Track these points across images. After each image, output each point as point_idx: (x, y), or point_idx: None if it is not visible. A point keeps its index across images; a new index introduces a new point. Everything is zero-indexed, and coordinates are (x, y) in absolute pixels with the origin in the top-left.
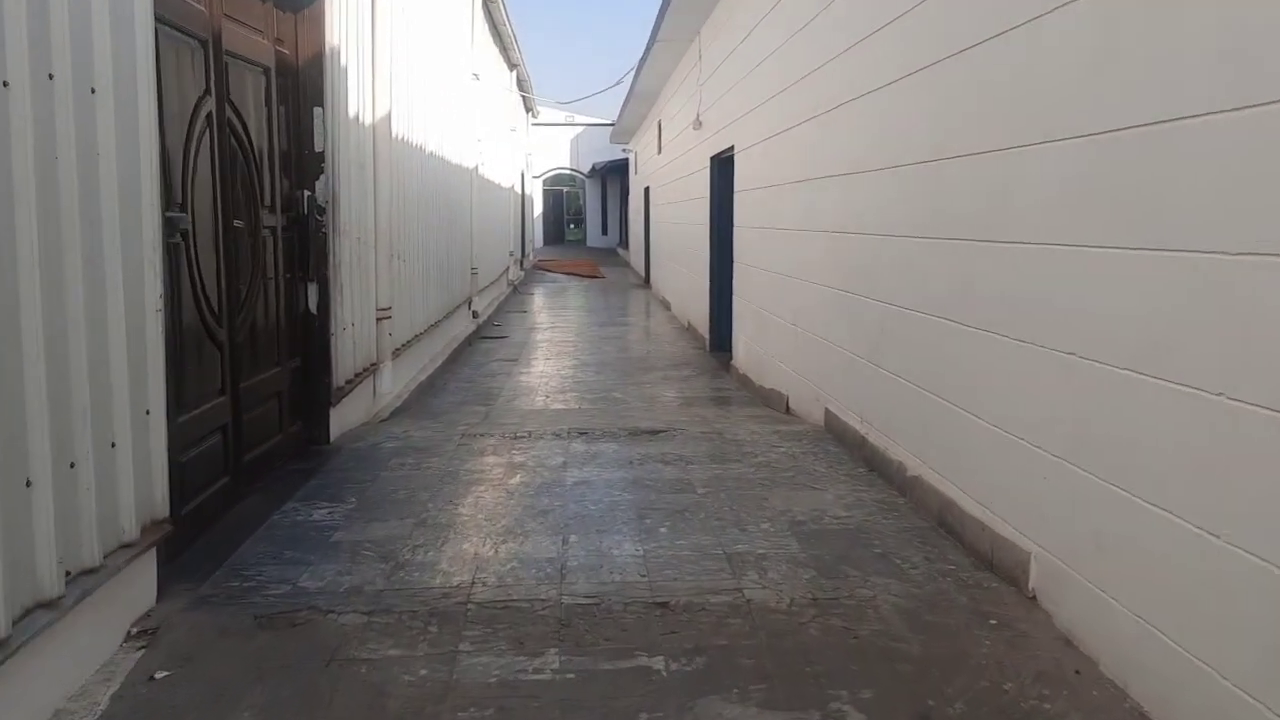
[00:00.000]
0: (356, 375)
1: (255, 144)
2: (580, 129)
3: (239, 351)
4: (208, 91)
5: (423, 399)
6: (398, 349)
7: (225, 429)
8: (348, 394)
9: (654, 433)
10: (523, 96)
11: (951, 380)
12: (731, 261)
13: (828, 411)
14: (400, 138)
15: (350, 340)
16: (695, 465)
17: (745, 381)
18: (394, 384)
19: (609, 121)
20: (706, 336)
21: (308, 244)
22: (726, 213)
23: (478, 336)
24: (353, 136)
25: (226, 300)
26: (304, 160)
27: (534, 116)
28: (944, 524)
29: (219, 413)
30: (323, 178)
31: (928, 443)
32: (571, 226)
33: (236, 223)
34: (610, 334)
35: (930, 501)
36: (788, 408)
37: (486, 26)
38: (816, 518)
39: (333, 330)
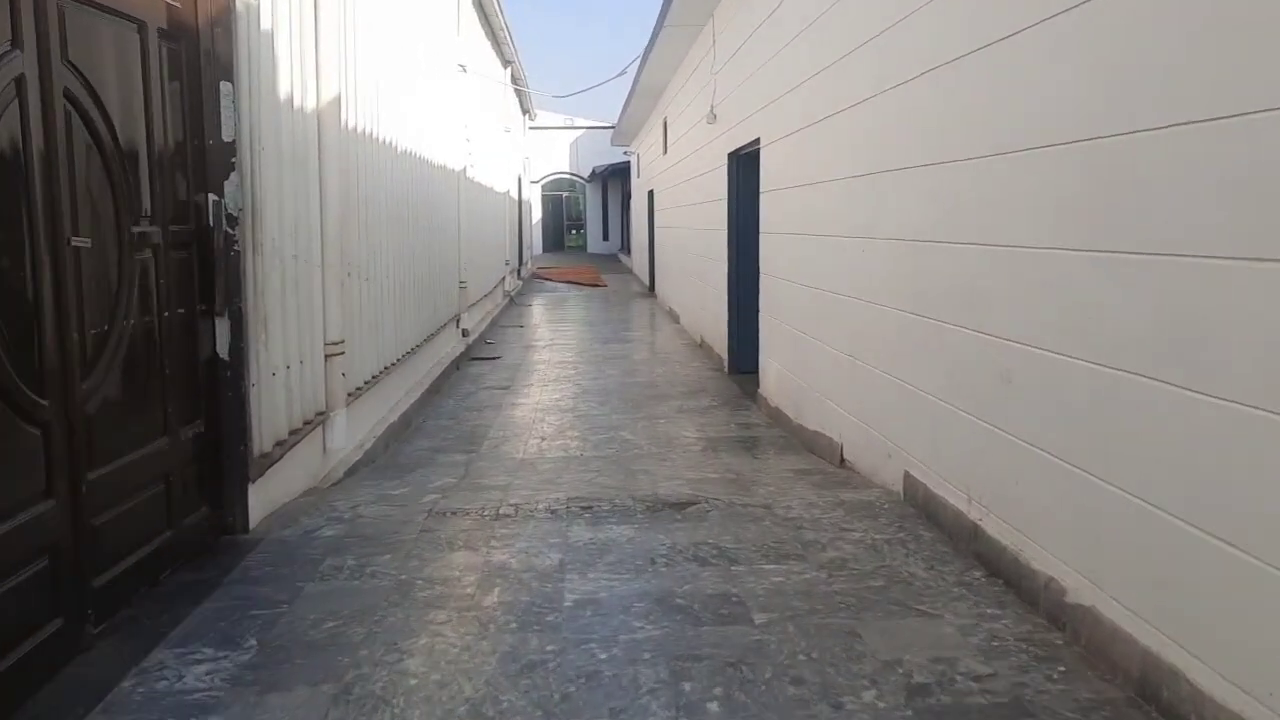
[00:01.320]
0: (294, 432)
1: (121, 129)
2: (580, 132)
3: (86, 429)
4: (16, 44)
5: (392, 446)
6: (357, 390)
7: (56, 548)
8: (280, 459)
9: (680, 506)
10: (517, 92)
11: (1161, 474)
12: (756, 273)
13: (909, 477)
14: (358, 130)
15: (283, 389)
16: (743, 566)
17: (777, 416)
18: (351, 435)
19: (609, 124)
20: (725, 357)
21: (213, 266)
22: (749, 216)
23: (467, 358)
24: (284, 124)
25: (59, 357)
26: (207, 154)
27: (531, 119)
28: (1153, 698)
29: (41, 526)
30: (234, 177)
31: (1106, 558)
32: (572, 233)
33: (77, 241)
34: (615, 352)
35: (1120, 654)
36: (842, 458)
37: (476, 15)
38: (944, 678)
39: (252, 380)
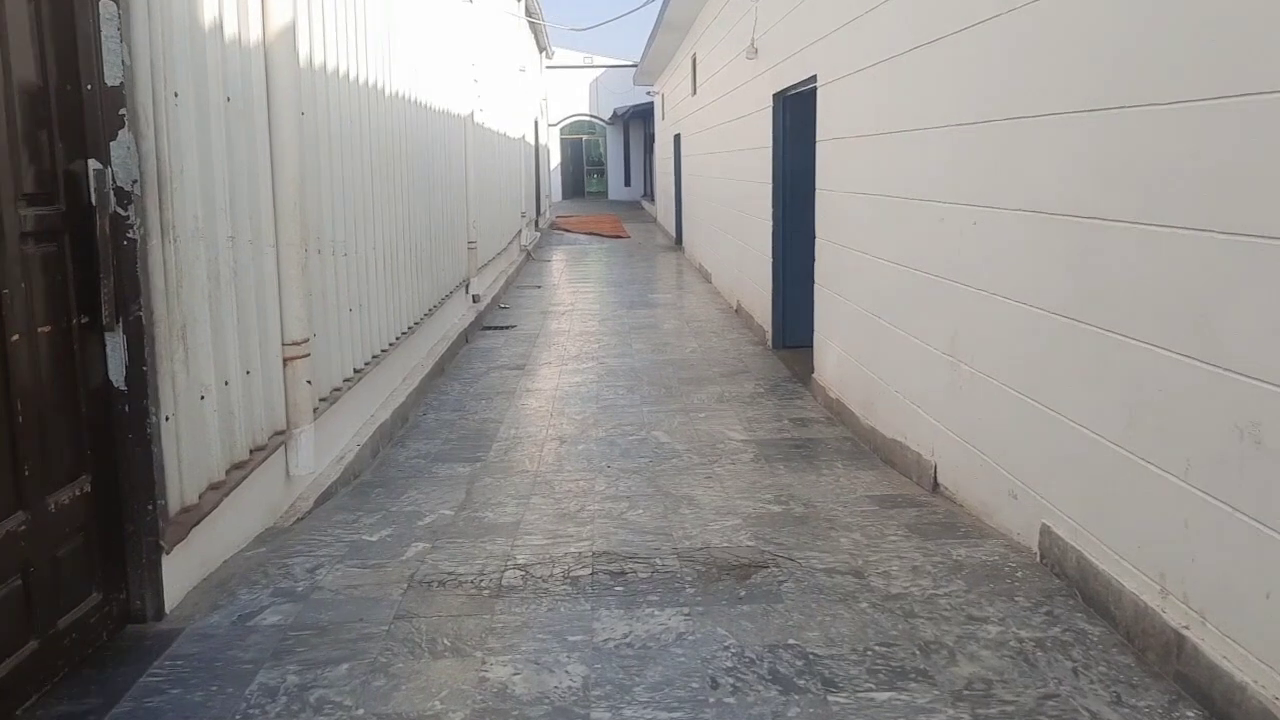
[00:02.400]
0: (239, 466)
1: None
2: (600, 71)
3: None
4: None
5: (382, 451)
6: (334, 391)
7: None
8: (215, 507)
9: (741, 571)
10: (532, 26)
11: None
12: (808, 235)
13: (1050, 532)
14: (327, 68)
15: (216, 415)
16: (844, 694)
17: (839, 411)
18: (324, 452)
19: (631, 63)
20: (767, 329)
21: (97, 262)
22: (800, 169)
23: (479, 328)
24: (211, 60)
25: None
26: (85, 104)
27: (548, 57)
28: None
29: None
30: (125, 136)
31: None
32: (593, 177)
33: None
34: (642, 320)
35: None
36: (935, 481)
37: None
38: None
39: (165, 411)
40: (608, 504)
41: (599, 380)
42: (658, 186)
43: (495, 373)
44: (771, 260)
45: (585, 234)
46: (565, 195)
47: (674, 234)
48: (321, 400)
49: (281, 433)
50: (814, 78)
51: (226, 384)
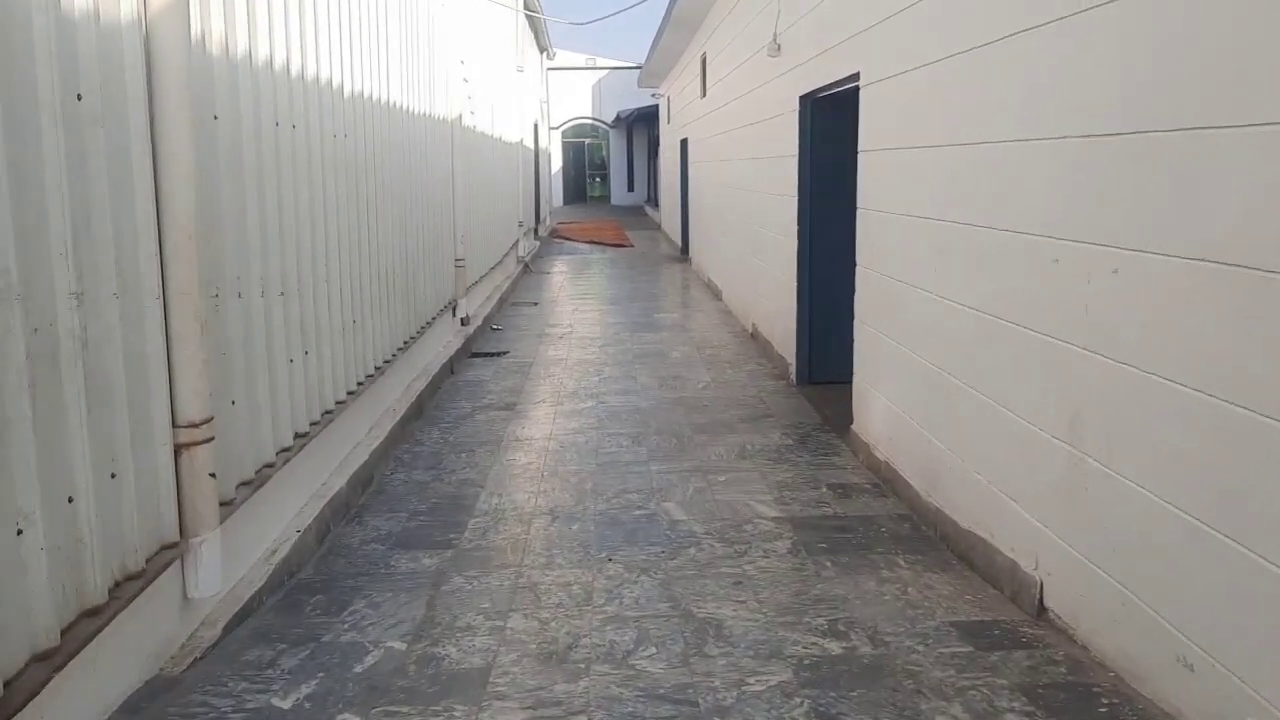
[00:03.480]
0: (94, 611)
1: None
2: (603, 73)
3: None
4: None
5: (331, 534)
6: (263, 471)
7: None
8: (45, 685)
9: None
10: (530, 22)
11: None
12: (843, 258)
13: None
14: (249, 57)
15: (39, 552)
16: None
17: (889, 476)
18: (238, 560)
19: (635, 64)
20: (790, 361)
21: None
22: (831, 181)
23: (467, 354)
24: (38, 42)
25: None
26: None
27: (549, 58)
28: None
29: None
30: None
31: None
32: (595, 181)
33: None
34: (647, 345)
35: None
36: (1040, 603)
37: None
38: None
39: None
40: (609, 634)
41: (599, 426)
42: (662, 192)
43: (481, 414)
44: (796, 284)
45: (587, 242)
46: (566, 200)
47: (680, 243)
48: (243, 484)
49: (173, 545)
50: (854, 76)
51: (71, 500)
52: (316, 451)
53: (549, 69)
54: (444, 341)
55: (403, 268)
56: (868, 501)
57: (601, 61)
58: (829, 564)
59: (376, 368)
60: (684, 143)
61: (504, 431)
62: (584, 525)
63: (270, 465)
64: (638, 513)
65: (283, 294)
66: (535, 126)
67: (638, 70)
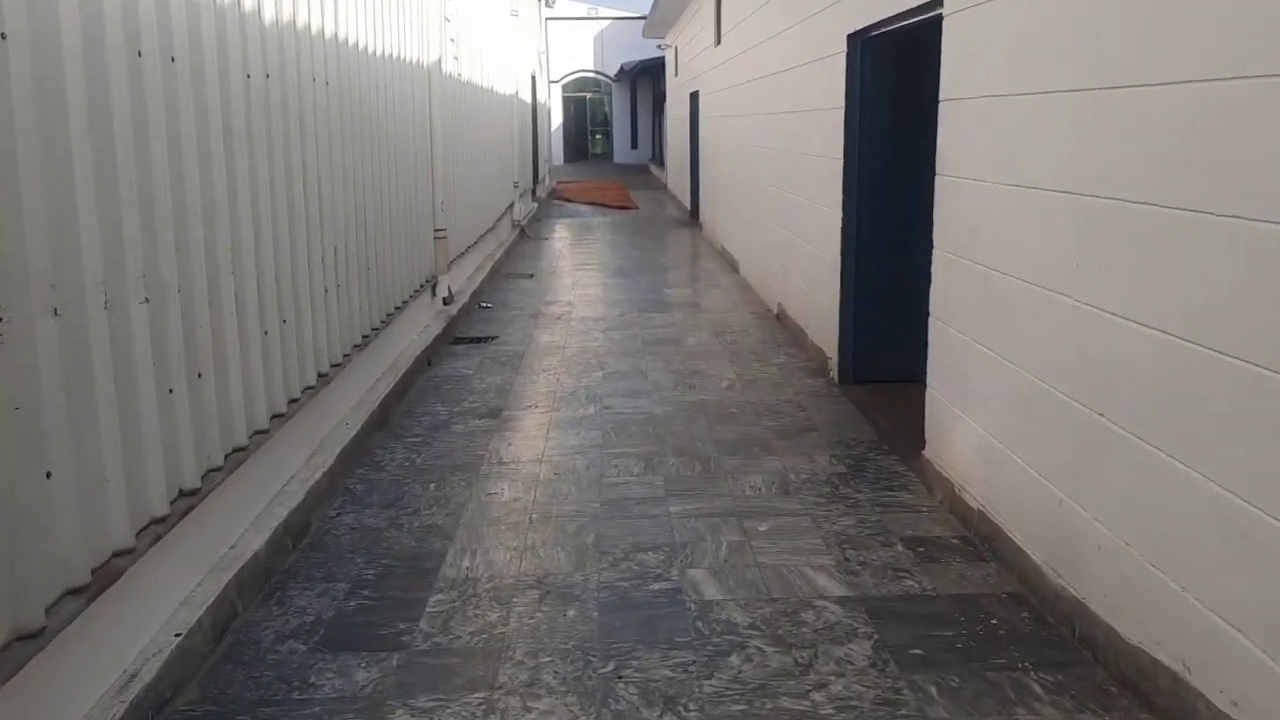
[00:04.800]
0: None
1: None
2: (605, 23)
3: None
4: None
5: (240, 619)
6: (111, 562)
7: None
8: None
9: None
10: None
11: None
12: (905, 236)
13: None
14: None
15: None
16: None
17: (987, 532)
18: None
19: (640, 14)
20: (831, 355)
21: None
22: (890, 140)
23: (449, 340)
24: None
25: None
26: None
27: (548, 6)
28: None
29: None
30: None
31: None
32: (596, 138)
33: None
34: (658, 329)
35: None
36: None
37: None
38: None
39: None
40: None
41: (603, 443)
42: (669, 151)
43: (459, 424)
44: (841, 264)
45: (588, 204)
46: (567, 158)
47: (688, 206)
48: (73, 592)
49: None
50: (932, 3)
51: None
52: (219, 505)
53: (548, 18)
54: (420, 327)
55: (360, 245)
56: (962, 570)
57: (604, 11)
58: (934, 689)
59: (322, 374)
60: (694, 96)
61: (485, 450)
62: (583, 609)
63: (127, 551)
64: (656, 587)
65: (147, 300)
66: (533, 79)
67: (643, 20)
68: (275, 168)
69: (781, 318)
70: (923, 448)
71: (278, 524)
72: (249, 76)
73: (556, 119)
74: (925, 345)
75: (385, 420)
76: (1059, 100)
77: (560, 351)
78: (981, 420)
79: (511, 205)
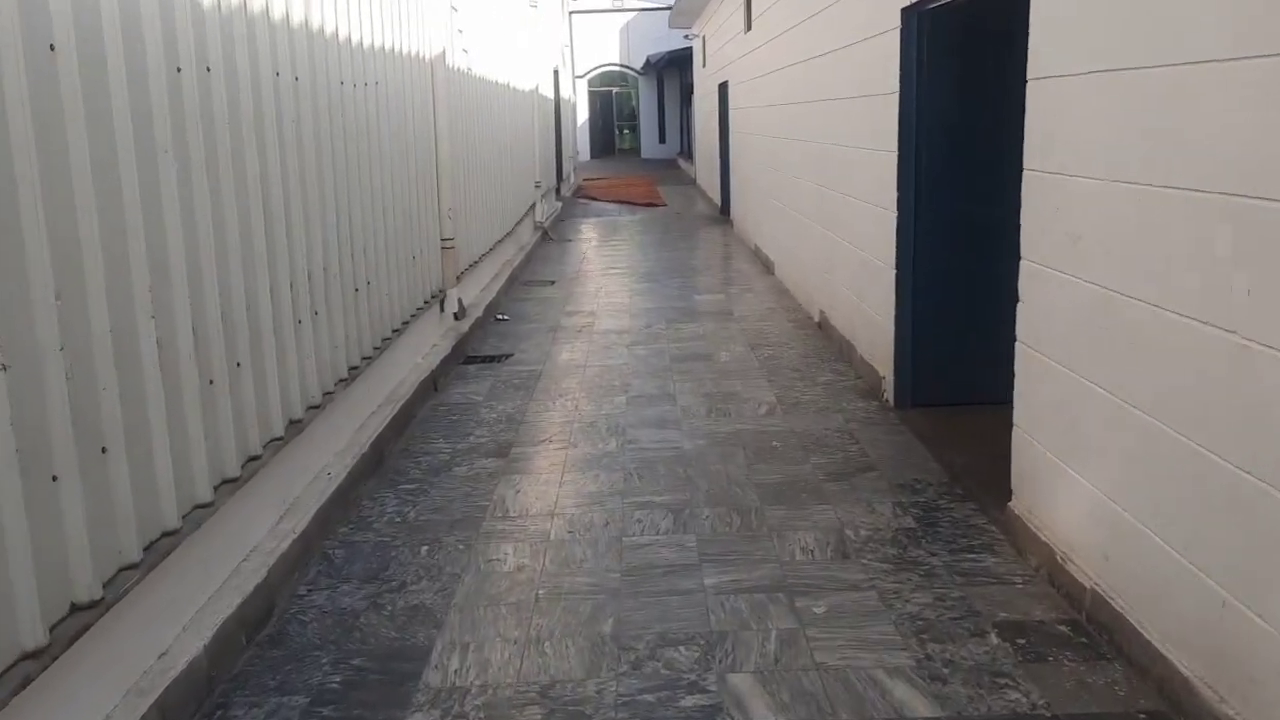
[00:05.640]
0: None
1: None
2: (631, 15)
3: None
4: None
5: None
6: None
7: None
8: None
9: None
10: None
11: None
12: (973, 240)
13: None
14: None
15: None
16: None
17: (1111, 625)
18: None
19: (665, 5)
20: (884, 373)
21: None
22: (957, 130)
23: (459, 359)
24: None
25: None
26: None
27: None
28: None
29: None
30: None
31: None
32: (623, 133)
33: None
34: (688, 343)
35: None
36: None
37: None
38: None
39: None
40: None
41: (625, 489)
42: (697, 144)
43: (462, 464)
44: (897, 271)
45: (615, 202)
46: (594, 154)
47: (719, 202)
48: None
49: None
50: None
51: None
52: (142, 604)
53: (571, 11)
54: (427, 347)
55: (346, 263)
56: (1080, 674)
57: (629, 3)
58: None
59: (295, 421)
60: (723, 87)
61: (489, 499)
62: None
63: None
64: (689, 702)
65: (4, 368)
66: (555, 74)
67: (668, 10)
68: (218, 181)
69: (824, 327)
70: (1008, 498)
71: (226, 617)
72: (178, 70)
73: (582, 114)
74: (997, 364)
75: (379, 463)
76: (1219, 72)
77: (580, 372)
78: (1097, 478)
79: (533, 207)
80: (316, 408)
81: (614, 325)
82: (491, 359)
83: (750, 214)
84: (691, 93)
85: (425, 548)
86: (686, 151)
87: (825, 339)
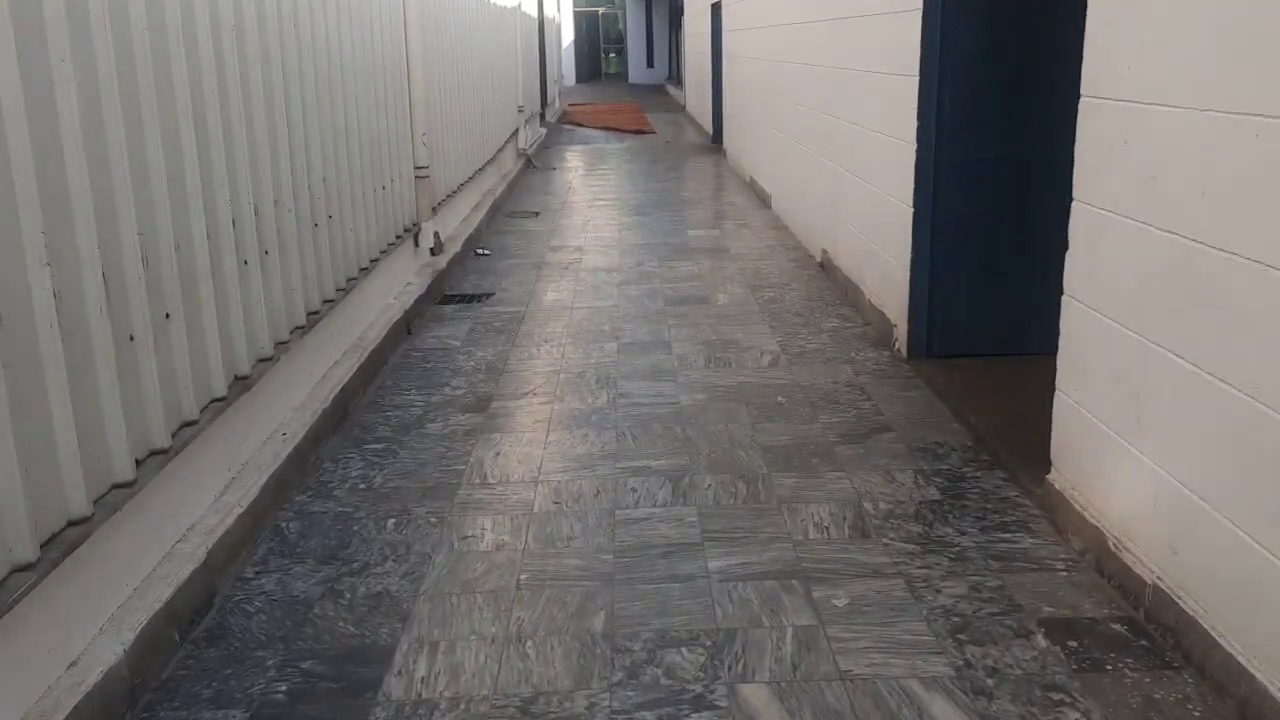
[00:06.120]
0: None
1: None
2: None
3: None
4: None
5: None
6: None
7: None
8: None
9: None
10: None
11: None
12: (1004, 181)
13: None
14: None
15: None
16: None
17: (1179, 627)
18: None
19: None
20: (897, 321)
21: None
22: (986, 53)
23: (436, 297)
24: None
25: None
26: None
27: None
28: None
29: None
30: None
31: None
32: (610, 57)
33: None
34: (683, 284)
35: None
36: None
37: None
38: None
39: None
40: None
41: (617, 453)
42: (687, 69)
43: (435, 419)
44: (914, 209)
45: (601, 129)
46: (580, 79)
47: (710, 130)
48: None
49: None
50: None
51: None
52: (49, 601)
53: None
54: (399, 286)
55: (304, 194)
56: (1145, 688)
57: None
58: None
59: (241, 376)
60: (715, 8)
61: (466, 462)
62: None
63: None
64: None
65: None
66: None
67: None
68: (136, 100)
69: (827, 268)
70: (1045, 468)
71: (153, 613)
72: None
73: (567, 36)
74: (1024, 314)
75: (344, 417)
76: None
77: (567, 314)
78: (1166, 458)
79: (516, 133)
80: (268, 360)
81: (603, 262)
82: (471, 298)
83: (745, 144)
84: (681, 15)
85: (392, 520)
86: (676, 77)
87: (829, 281)
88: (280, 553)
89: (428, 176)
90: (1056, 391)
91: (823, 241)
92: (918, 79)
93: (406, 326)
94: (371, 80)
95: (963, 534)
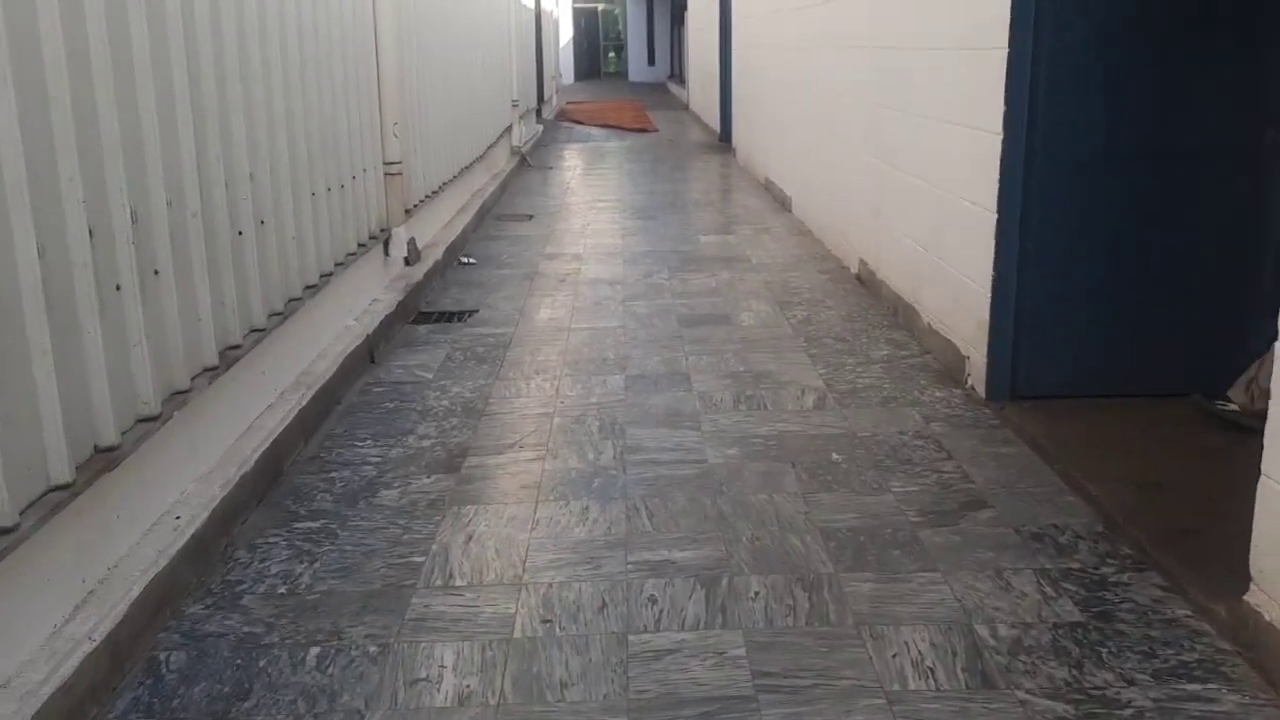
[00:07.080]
0: None
1: None
2: None
3: None
4: None
5: None
6: None
7: None
8: None
9: None
10: None
11: None
12: (1127, 176)
13: None
14: None
15: None
16: None
17: None
18: None
19: None
20: (970, 354)
21: None
22: (1113, 18)
23: (409, 316)
24: None
25: None
26: None
27: None
28: None
29: None
30: None
31: None
32: (610, 55)
33: None
34: (698, 301)
35: None
36: None
37: None
38: None
39: None
40: None
41: (627, 538)
42: (690, 66)
43: (392, 486)
44: (999, 215)
45: (601, 126)
46: (578, 77)
47: (717, 128)
48: None
49: None
50: None
51: None
52: None
53: None
54: (363, 304)
55: (223, 193)
56: None
57: None
58: None
59: (104, 448)
60: (724, 1)
61: (426, 550)
62: None
63: None
64: None
65: None
66: None
67: None
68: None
69: (867, 281)
70: (1237, 581)
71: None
72: None
73: (566, 34)
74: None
75: (274, 480)
76: None
77: (563, 336)
78: None
79: (509, 128)
80: (152, 420)
81: (605, 273)
82: (450, 316)
83: (759, 141)
84: (684, 11)
85: (316, 650)
86: (678, 75)
87: (871, 296)
88: (148, 708)
89: (400, 174)
90: (1262, 477)
91: (860, 249)
92: (1007, 51)
93: (369, 354)
94: (323, 52)
95: (1130, 683)
